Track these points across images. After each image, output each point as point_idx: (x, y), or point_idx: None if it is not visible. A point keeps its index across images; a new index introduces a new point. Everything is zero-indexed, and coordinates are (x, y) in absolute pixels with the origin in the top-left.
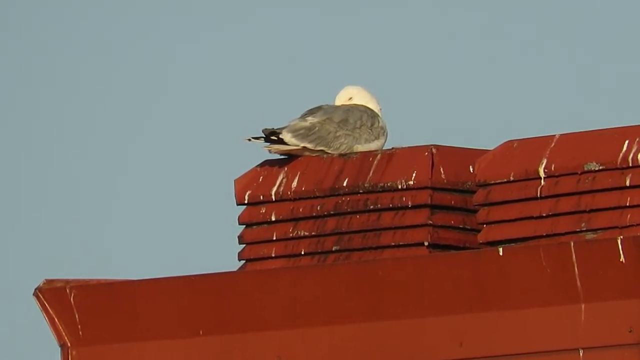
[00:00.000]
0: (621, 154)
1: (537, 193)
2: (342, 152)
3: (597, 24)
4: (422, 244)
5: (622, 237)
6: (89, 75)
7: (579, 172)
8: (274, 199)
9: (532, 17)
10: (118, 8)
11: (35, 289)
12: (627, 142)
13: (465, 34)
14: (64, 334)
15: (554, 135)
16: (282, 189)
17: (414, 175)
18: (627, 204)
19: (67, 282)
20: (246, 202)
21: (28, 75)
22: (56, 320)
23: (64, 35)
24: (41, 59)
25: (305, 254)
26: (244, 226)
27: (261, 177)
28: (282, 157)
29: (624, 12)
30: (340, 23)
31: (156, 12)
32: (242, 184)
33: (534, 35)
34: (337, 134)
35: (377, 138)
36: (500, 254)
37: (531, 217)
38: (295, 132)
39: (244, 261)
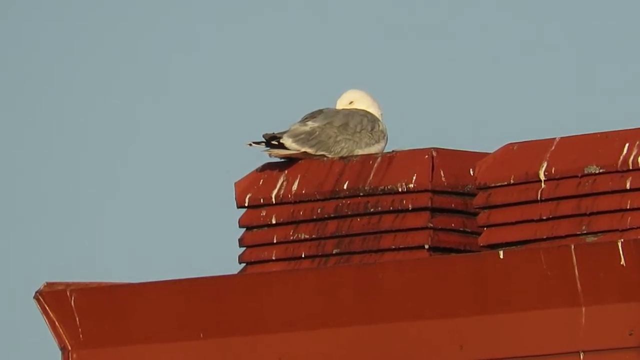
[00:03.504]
0: (621, 157)
1: (537, 196)
2: (343, 156)
3: (597, 25)
4: (423, 247)
5: (622, 240)
6: (89, 77)
7: (580, 175)
8: (274, 202)
9: (534, 19)
10: (119, 9)
11: (36, 292)
12: (627, 145)
13: (466, 36)
14: (64, 337)
15: (555, 138)
16: (282, 191)
17: (414, 178)
18: (628, 207)
19: (67, 285)
20: (247, 205)
21: (28, 77)
22: (57, 323)
23: (64, 34)
24: (38, 58)
25: (305, 256)
26: (245, 229)
27: (261, 180)
28: (283, 160)
29: (624, 13)
30: (341, 26)
31: (157, 13)
32: (242, 187)
33: (535, 37)
34: (338, 138)
35: (377, 142)
36: (501, 256)
37: (532, 220)
38: (296, 136)
39: (245, 264)
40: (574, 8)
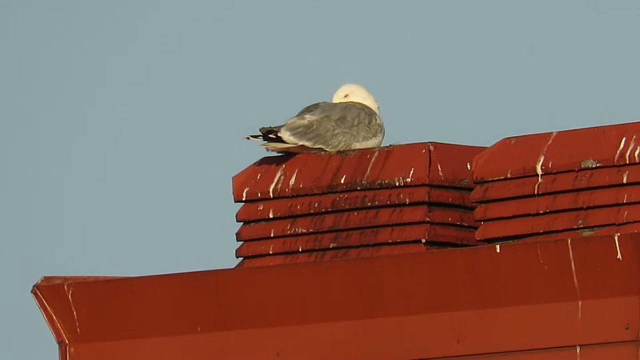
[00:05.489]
0: (618, 152)
1: (534, 190)
2: (340, 149)
3: (594, 22)
4: (420, 241)
5: (619, 234)
6: (87, 71)
7: (576, 170)
8: (271, 196)
9: (529, 15)
10: (116, 2)
11: (34, 286)
12: (624, 139)
13: (463, 31)
14: (62, 331)
15: (552, 133)
16: (279, 186)
17: (411, 172)
18: (624, 201)
19: (65, 279)
20: (244, 199)
21: (26, 74)
22: (54, 317)
23: (57, 28)
24: (33, 56)
25: (302, 251)
26: (242, 223)
27: (259, 175)
28: (280, 154)
29: (621, 9)
30: (338, 20)
31: (154, 7)
32: (240, 181)
33: (532, 33)
34: (336, 131)
35: (374, 135)
36: (498, 251)
37: (528, 214)
38: (294, 130)
39: (242, 258)
40: (570, 5)
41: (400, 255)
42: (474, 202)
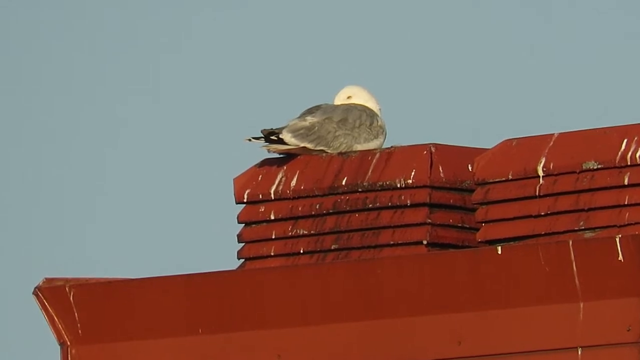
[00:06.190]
0: (620, 153)
1: (535, 192)
2: (342, 151)
3: (594, 22)
4: (421, 243)
5: (620, 235)
6: (88, 71)
7: (578, 171)
8: (273, 198)
9: (531, 16)
10: (116, 2)
11: (35, 288)
12: (625, 140)
13: (463, 32)
14: (63, 332)
15: (553, 134)
16: (281, 187)
17: (412, 173)
18: (626, 203)
19: (66, 280)
20: (245, 200)
21: (25, 74)
22: (56, 319)
23: (57, 28)
24: (33, 56)
25: (304, 252)
26: (243, 225)
27: (260, 176)
28: (281, 156)
29: (621, 9)
30: (339, 21)
31: (153, 7)
32: (241, 183)
33: (532, 33)
34: (337, 133)
35: (376, 137)
36: (499, 252)
37: (530, 216)
38: (295, 132)
39: (243, 260)
40: (570, 6)
41: (402, 256)
42: (475, 204)
